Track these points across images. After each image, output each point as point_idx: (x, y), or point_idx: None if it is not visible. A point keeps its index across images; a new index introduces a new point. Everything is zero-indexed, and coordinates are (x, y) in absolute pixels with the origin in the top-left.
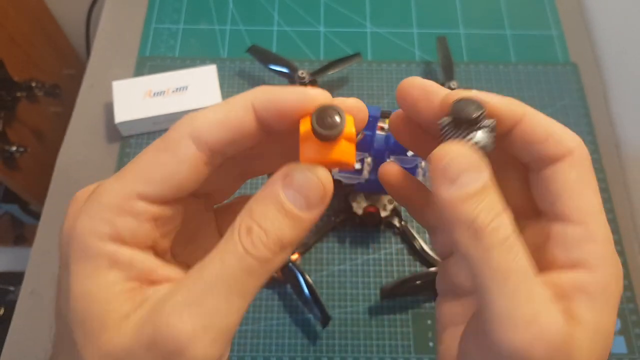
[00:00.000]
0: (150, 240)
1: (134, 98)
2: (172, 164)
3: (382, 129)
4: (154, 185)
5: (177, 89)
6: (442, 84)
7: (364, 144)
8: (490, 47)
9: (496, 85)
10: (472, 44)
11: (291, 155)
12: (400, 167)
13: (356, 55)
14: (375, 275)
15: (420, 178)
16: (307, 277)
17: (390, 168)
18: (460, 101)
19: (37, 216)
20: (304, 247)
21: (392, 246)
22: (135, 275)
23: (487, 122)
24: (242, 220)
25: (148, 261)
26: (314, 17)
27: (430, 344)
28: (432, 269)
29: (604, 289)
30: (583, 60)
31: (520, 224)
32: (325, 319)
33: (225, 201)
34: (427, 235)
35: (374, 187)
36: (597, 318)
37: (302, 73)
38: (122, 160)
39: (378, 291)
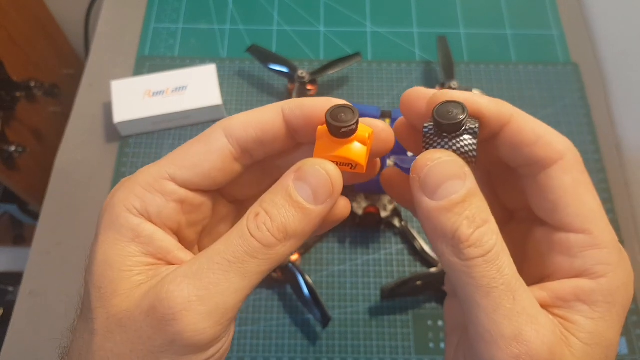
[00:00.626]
0: (174, 223)
1: (133, 98)
2: (203, 152)
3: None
4: (184, 170)
5: (176, 88)
6: (443, 84)
7: None
8: (491, 47)
9: (497, 85)
10: (472, 44)
11: None
12: (401, 171)
13: (356, 55)
14: (376, 275)
15: None
16: (307, 277)
17: (392, 172)
18: (443, 104)
19: (36, 216)
20: (304, 248)
21: (392, 246)
22: (153, 252)
23: (470, 125)
24: (252, 207)
25: (167, 241)
26: (314, 17)
27: (431, 344)
28: (433, 269)
29: (608, 297)
30: (584, 60)
31: (525, 229)
32: (325, 320)
33: None
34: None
35: (374, 187)
36: (597, 328)
37: (302, 73)
38: (121, 160)
39: (378, 292)
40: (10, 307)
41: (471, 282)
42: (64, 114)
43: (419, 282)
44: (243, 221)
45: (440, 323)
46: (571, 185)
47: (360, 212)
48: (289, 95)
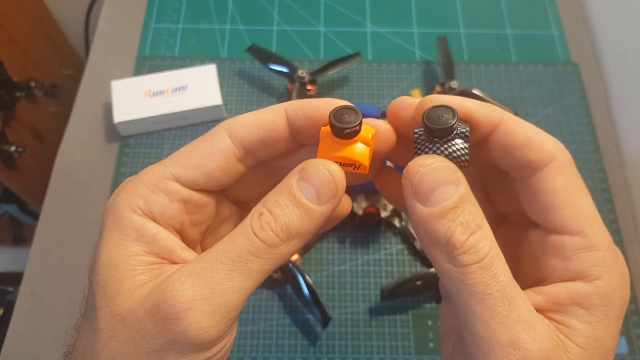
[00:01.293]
0: (178, 223)
1: (133, 98)
2: (206, 152)
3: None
4: (188, 170)
5: (176, 88)
6: (443, 84)
7: None
8: (491, 47)
9: (497, 85)
10: (472, 44)
11: None
12: (396, 172)
13: (356, 55)
14: (376, 275)
15: None
16: (307, 277)
17: (386, 174)
18: (433, 109)
19: (36, 216)
20: (304, 248)
21: (392, 246)
22: (157, 251)
23: (461, 129)
24: (256, 207)
25: (171, 241)
26: (314, 17)
27: (431, 344)
28: (432, 269)
29: (605, 299)
30: (584, 60)
31: (518, 232)
32: (325, 320)
33: None
34: None
35: (374, 188)
36: (594, 332)
37: (302, 73)
38: (121, 160)
39: (378, 292)
40: (10, 307)
41: (466, 289)
42: (64, 114)
43: (419, 282)
44: (247, 221)
45: None
46: (563, 187)
47: (360, 212)
48: (289, 95)
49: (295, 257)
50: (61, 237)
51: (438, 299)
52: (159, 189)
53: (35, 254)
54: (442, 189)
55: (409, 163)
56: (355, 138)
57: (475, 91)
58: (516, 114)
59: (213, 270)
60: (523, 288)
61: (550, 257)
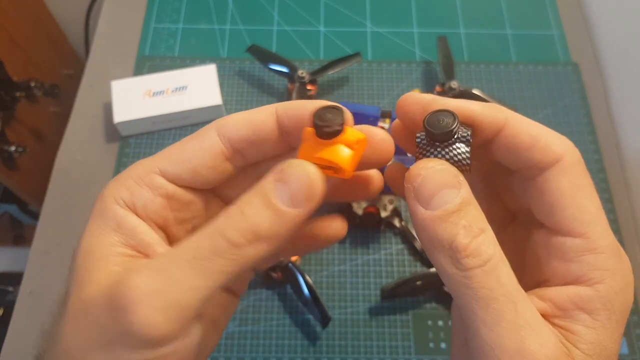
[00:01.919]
0: (160, 218)
1: (133, 98)
2: (194, 149)
3: (382, 129)
4: (174, 165)
5: (176, 88)
6: (443, 84)
7: None
8: (491, 47)
9: (497, 85)
10: (472, 44)
11: None
12: (405, 167)
13: (356, 55)
14: (376, 275)
15: None
16: (307, 277)
17: (395, 168)
18: (434, 114)
19: (36, 216)
20: None
21: (393, 246)
22: (134, 244)
23: (462, 133)
24: (229, 206)
25: (149, 235)
26: (314, 17)
27: (431, 344)
28: (433, 269)
29: (607, 303)
30: (584, 60)
31: (526, 232)
32: (325, 320)
33: None
34: None
35: None
36: (598, 337)
37: (302, 73)
38: (121, 160)
39: (378, 292)
40: (10, 307)
41: (470, 293)
42: (64, 114)
43: (419, 282)
44: (216, 218)
45: (440, 323)
46: (569, 187)
47: (360, 212)
48: (289, 95)
49: (295, 257)
50: (61, 237)
51: (438, 299)
52: (144, 182)
53: (35, 254)
54: (443, 193)
55: (410, 167)
56: (338, 140)
57: (475, 91)
58: None
59: (172, 265)
60: (527, 288)
61: (553, 258)
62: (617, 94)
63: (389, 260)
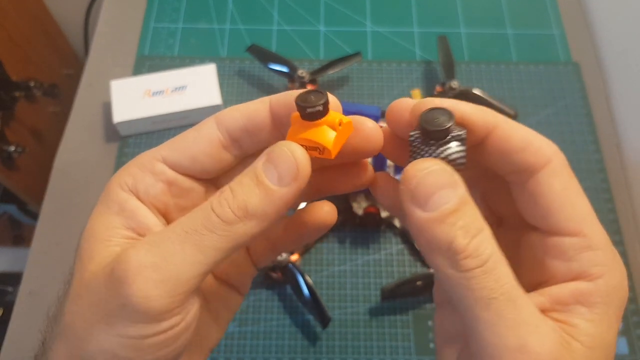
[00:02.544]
0: (161, 204)
1: (133, 97)
2: (193, 137)
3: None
4: (175, 152)
5: (176, 88)
6: (443, 84)
7: None
8: (492, 47)
9: (497, 85)
10: (473, 43)
11: None
12: (392, 178)
13: (356, 54)
14: (376, 276)
15: None
16: (307, 277)
17: (384, 183)
18: (429, 112)
19: (35, 216)
20: (304, 248)
21: (393, 247)
22: (134, 226)
23: (457, 132)
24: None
25: (150, 219)
26: (314, 17)
27: (431, 345)
28: (432, 269)
29: (605, 297)
30: (585, 59)
31: (516, 235)
32: (325, 320)
33: None
34: None
35: None
36: (597, 330)
37: (302, 73)
38: (120, 160)
39: (378, 292)
40: (10, 307)
41: (470, 295)
42: (64, 114)
43: (419, 283)
44: (210, 198)
45: None
46: (561, 189)
47: (360, 212)
48: None
49: (295, 257)
50: (60, 237)
51: None
52: (147, 169)
53: (34, 254)
54: (440, 193)
55: (405, 168)
56: (321, 121)
57: (476, 91)
58: (516, 113)
59: (168, 240)
60: (526, 291)
61: (552, 258)
62: (617, 94)
63: (389, 261)
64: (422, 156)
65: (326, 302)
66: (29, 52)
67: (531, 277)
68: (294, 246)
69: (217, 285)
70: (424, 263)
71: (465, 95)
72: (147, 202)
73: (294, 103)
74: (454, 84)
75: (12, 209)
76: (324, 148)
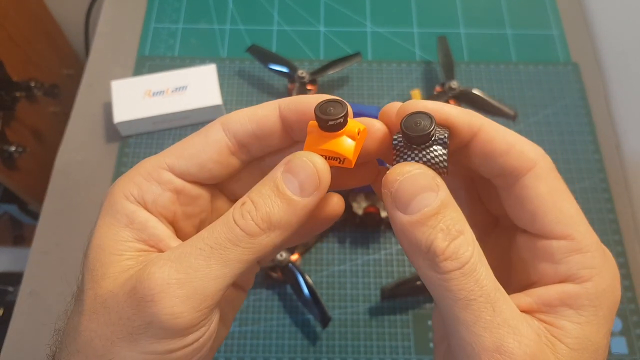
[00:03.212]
0: (170, 213)
1: (133, 98)
2: (200, 144)
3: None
4: (182, 160)
5: (176, 88)
6: (443, 84)
7: None
8: (491, 47)
9: (497, 85)
10: (472, 44)
11: None
12: None
13: (356, 55)
14: (376, 275)
15: None
16: (307, 277)
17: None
18: (411, 116)
19: (36, 216)
20: (304, 248)
21: (393, 247)
22: (145, 238)
23: (439, 135)
24: (242, 198)
25: (160, 229)
26: (314, 17)
27: (431, 344)
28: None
29: (594, 300)
30: (584, 60)
31: (509, 236)
32: (325, 320)
33: None
34: None
35: None
36: (584, 332)
37: (302, 73)
38: (121, 160)
39: (378, 292)
40: (10, 307)
41: (449, 296)
42: (64, 114)
43: (419, 282)
44: (230, 210)
45: None
46: (547, 192)
47: (360, 212)
48: (289, 95)
49: (295, 257)
50: (61, 237)
51: None
52: (152, 178)
53: (35, 254)
54: (421, 196)
55: (387, 172)
56: (341, 132)
57: (475, 91)
58: (516, 114)
59: (191, 256)
60: (515, 291)
61: (540, 261)
62: (617, 94)
63: (389, 260)
64: (405, 160)
65: (326, 301)
66: (29, 53)
67: (521, 278)
68: (303, 239)
69: None
70: None
71: (465, 96)
72: (155, 212)
73: (303, 110)
74: (454, 84)
75: (12, 208)
76: (345, 158)
